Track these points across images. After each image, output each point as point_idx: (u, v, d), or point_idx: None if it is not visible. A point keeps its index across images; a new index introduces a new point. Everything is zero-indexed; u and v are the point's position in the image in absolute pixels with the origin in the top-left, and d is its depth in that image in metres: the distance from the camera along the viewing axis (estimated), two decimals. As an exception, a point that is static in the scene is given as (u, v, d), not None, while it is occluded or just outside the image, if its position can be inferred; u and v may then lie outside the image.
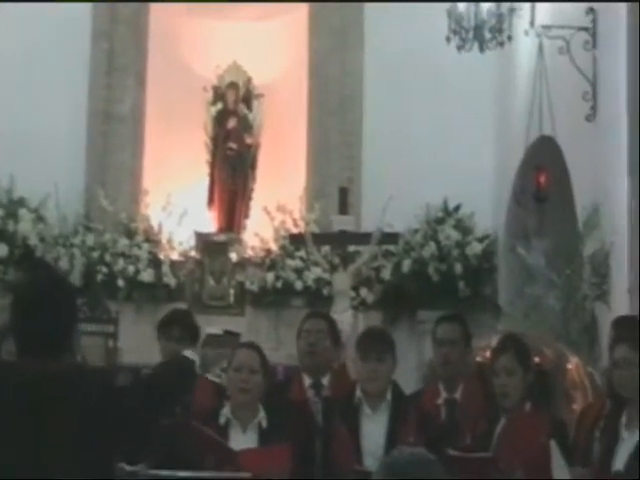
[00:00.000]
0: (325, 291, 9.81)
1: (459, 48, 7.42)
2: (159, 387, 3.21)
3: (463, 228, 10.05)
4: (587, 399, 5.10)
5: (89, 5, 10.26)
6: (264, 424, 4.30)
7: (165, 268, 10.08)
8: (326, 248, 9.76)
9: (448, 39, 7.44)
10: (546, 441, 4.17)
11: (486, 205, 9.95)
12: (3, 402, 3.01)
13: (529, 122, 8.18)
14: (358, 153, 10.38)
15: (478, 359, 5.26)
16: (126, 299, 9.95)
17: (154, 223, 10.27)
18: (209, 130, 10.65)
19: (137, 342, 9.03)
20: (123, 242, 10.08)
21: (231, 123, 10.61)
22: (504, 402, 4.38)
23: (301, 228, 10.03)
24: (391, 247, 10.00)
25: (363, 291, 9.93)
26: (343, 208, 9.84)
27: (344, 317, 8.62)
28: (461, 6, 7.48)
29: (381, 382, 4.54)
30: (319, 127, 10.48)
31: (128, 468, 3.52)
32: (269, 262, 10.17)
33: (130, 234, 10.18)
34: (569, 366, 5.30)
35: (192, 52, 10.67)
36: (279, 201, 10.22)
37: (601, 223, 6.80)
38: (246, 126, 10.62)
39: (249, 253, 10.29)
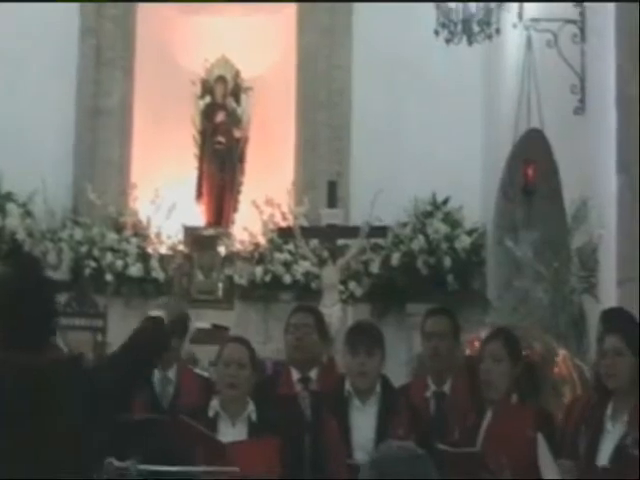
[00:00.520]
0: (314, 285, 9.81)
1: (447, 41, 7.41)
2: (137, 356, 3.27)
3: (452, 221, 10.06)
4: (575, 392, 5.10)
5: None
6: (253, 417, 4.29)
7: (153, 262, 10.06)
8: (315, 242, 9.76)
9: (437, 32, 7.44)
10: (533, 434, 4.17)
11: (474, 198, 9.96)
12: None
13: (517, 115, 8.18)
14: (346, 147, 10.38)
15: (467, 352, 5.26)
16: (114, 293, 9.94)
17: (142, 217, 10.26)
18: (197, 124, 10.63)
19: (126, 336, 9.00)
20: (111, 236, 10.06)
21: (219, 117, 10.59)
22: (488, 392, 4.37)
23: (290, 222, 10.03)
24: (380, 240, 10.01)
25: (352, 285, 9.93)
26: (332, 202, 9.84)
27: (333, 311, 8.63)
28: (449, 0, 7.48)
29: (370, 376, 4.54)
30: (307, 121, 10.47)
31: (117, 464, 3.51)
32: (258, 256, 10.16)
33: (118, 228, 10.16)
34: (557, 359, 5.30)
35: (180, 46, 10.65)
36: (268, 195, 10.21)
37: (589, 216, 6.81)
38: (234, 120, 10.60)
39: (238, 247, 10.28)
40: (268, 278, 10.02)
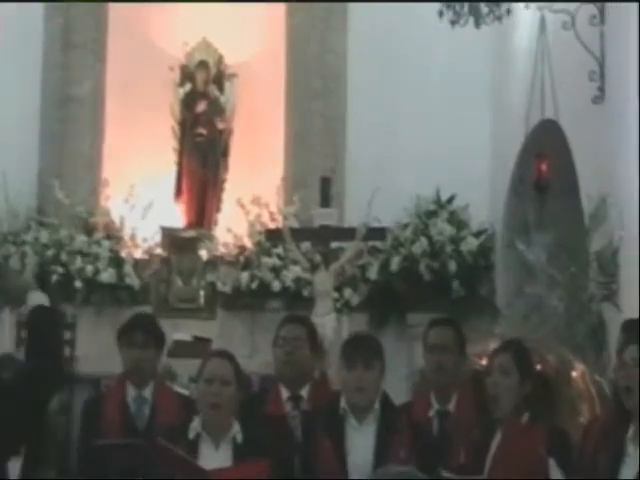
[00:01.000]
0: (305, 292, 9.82)
1: (453, 23, 7.40)
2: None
3: (457, 222, 10.08)
4: (594, 411, 5.11)
5: (42, -24, 10.22)
6: (239, 439, 4.29)
7: (128, 267, 10.06)
8: (306, 245, 9.76)
9: (441, 13, 7.43)
10: (545, 456, 4.17)
11: (482, 196, 9.98)
12: None
13: (529, 105, 8.20)
14: (342, 140, 10.39)
15: (473, 367, 5.27)
16: (84, 302, 9.93)
17: (115, 217, 10.25)
18: (176, 114, 10.62)
19: (96, 350, 9.01)
20: (81, 239, 10.05)
21: (201, 106, 10.59)
22: (495, 409, 4.38)
23: (279, 223, 10.04)
24: (378, 243, 10.01)
25: (347, 292, 9.95)
26: (325, 200, 9.83)
27: (326, 321, 8.64)
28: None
29: (369, 393, 4.55)
30: (298, 111, 10.47)
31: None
32: (243, 260, 10.16)
33: (89, 230, 10.15)
34: (574, 374, 5.31)
35: (157, 28, 10.64)
36: (254, 193, 10.21)
37: (609, 215, 6.82)
38: (217, 110, 10.60)
39: (221, 250, 10.28)
40: (255, 285, 10.03)
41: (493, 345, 4.97)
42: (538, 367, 4.83)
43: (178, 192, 10.54)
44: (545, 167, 8.06)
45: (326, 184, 9.89)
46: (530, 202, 8.63)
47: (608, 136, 6.97)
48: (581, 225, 7.33)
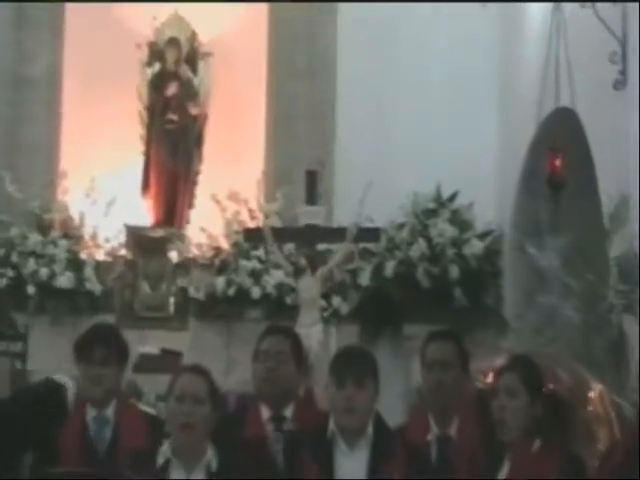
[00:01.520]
0: (289, 300, 9.84)
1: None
2: (13, 420, 3.21)
3: (460, 222, 10.10)
4: (613, 436, 5.14)
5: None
6: (214, 466, 4.30)
7: (88, 271, 10.06)
8: (290, 246, 9.77)
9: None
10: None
11: (488, 194, 10.01)
12: None
13: (542, 91, 8.22)
14: (331, 128, 10.41)
15: (478, 386, 5.29)
16: (38, 310, 9.93)
17: (74, 214, 10.25)
18: (144, 98, 10.64)
19: (51, 364, 8.95)
20: (34, 238, 10.05)
21: (171, 89, 10.60)
22: (501, 434, 4.40)
23: (259, 221, 10.05)
24: (371, 245, 10.03)
25: (336, 300, 9.97)
26: (311, 197, 9.85)
27: (312, 332, 8.65)
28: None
29: (360, 414, 4.57)
30: (282, 95, 10.49)
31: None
32: (219, 263, 10.18)
33: (43, 228, 10.15)
34: (591, 394, 5.34)
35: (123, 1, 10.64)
36: (231, 187, 10.23)
37: (631, 216, 6.86)
38: (190, 93, 10.61)
39: (194, 252, 10.29)
40: (232, 291, 10.04)
41: (500, 361, 4.99)
42: (550, 386, 4.86)
43: (145, 186, 10.55)
44: (559, 161, 8.08)
45: (313, 178, 9.91)
46: (542, 201, 8.66)
47: (630, 126, 6.99)
48: (600, 227, 7.36)
